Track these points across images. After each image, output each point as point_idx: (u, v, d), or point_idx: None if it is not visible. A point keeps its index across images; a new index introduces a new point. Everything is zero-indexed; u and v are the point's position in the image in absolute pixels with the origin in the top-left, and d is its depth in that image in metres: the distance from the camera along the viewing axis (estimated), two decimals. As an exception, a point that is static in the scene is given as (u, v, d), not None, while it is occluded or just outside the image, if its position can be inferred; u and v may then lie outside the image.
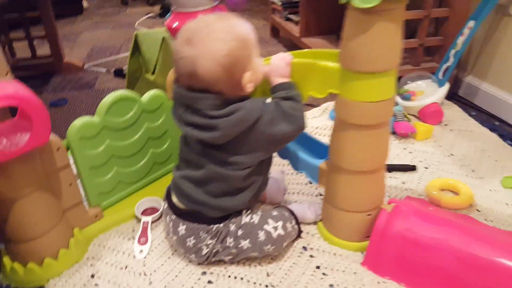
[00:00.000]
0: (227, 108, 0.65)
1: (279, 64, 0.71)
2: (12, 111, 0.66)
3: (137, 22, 2.76)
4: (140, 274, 0.76)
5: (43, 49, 1.94)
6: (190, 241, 0.73)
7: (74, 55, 2.14)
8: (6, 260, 0.74)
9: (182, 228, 0.74)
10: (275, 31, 2.33)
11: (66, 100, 1.56)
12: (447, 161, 1.08)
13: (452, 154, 1.11)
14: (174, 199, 0.76)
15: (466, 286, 0.67)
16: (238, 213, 0.76)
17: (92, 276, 0.76)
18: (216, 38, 0.64)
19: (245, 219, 0.75)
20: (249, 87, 0.67)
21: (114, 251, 0.82)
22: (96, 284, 0.74)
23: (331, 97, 0.72)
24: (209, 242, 0.73)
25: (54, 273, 0.75)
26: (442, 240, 0.69)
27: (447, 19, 1.35)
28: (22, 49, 1.91)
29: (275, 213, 0.78)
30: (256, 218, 0.76)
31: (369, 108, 0.65)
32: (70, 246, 0.77)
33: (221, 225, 0.74)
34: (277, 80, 0.71)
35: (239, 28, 0.66)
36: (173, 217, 0.75)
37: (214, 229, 0.73)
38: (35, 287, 0.74)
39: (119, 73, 1.82)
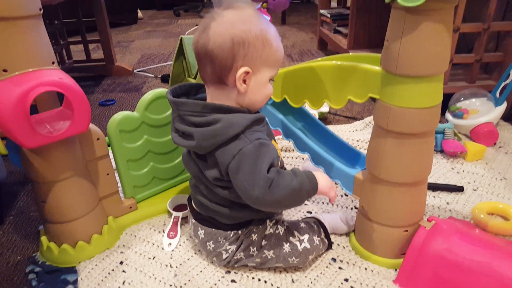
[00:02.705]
0: (207, 117, 0.61)
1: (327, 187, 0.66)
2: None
3: (186, 32, 2.88)
4: (167, 265, 0.77)
5: (98, 55, 2.07)
6: (210, 245, 0.73)
7: (125, 61, 2.26)
8: (44, 239, 0.78)
9: (201, 232, 0.73)
10: (323, 44, 2.32)
11: (114, 101, 1.65)
12: (499, 185, 1.00)
13: (505, 178, 1.02)
14: (193, 204, 0.76)
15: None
16: (261, 221, 0.73)
17: (121, 263, 0.78)
18: (244, 17, 0.60)
19: (270, 229, 0.73)
20: (239, 87, 0.61)
21: (144, 241, 0.83)
22: (123, 271, 0.76)
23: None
24: (229, 247, 0.72)
25: (85, 256, 0.78)
26: (484, 264, 0.63)
27: (509, 33, 1.26)
28: (79, 54, 2.06)
29: (302, 225, 0.76)
30: (281, 229, 0.73)
31: (412, 115, 0.61)
32: (103, 232, 0.80)
33: (240, 232, 0.71)
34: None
35: (271, 31, 0.62)
36: (193, 221, 0.75)
37: (232, 235, 0.71)
38: (67, 267, 0.76)
39: (165, 78, 1.89)
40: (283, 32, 2.87)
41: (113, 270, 0.76)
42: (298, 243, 0.72)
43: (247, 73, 0.61)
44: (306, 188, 0.63)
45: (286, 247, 0.72)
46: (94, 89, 1.81)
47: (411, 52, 0.57)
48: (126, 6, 3.25)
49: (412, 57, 0.57)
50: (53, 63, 0.66)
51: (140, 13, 3.53)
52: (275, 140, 0.73)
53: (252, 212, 0.69)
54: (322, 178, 0.66)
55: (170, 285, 0.72)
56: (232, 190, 0.65)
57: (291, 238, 0.72)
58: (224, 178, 0.64)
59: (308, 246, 0.73)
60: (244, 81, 0.62)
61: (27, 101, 0.58)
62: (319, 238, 0.75)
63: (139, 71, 2.06)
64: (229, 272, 0.75)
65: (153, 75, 1.99)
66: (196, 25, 3.09)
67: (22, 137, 0.60)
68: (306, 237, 0.73)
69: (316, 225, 0.77)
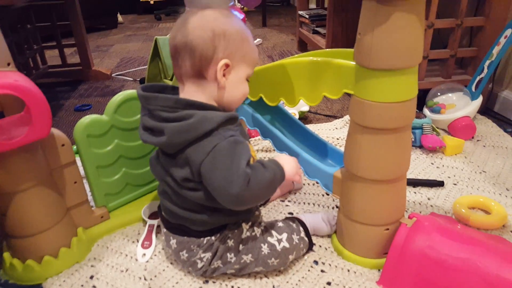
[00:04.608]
0: (180, 112, 0.59)
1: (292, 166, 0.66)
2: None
3: (167, 36, 2.82)
4: (140, 278, 0.73)
5: (75, 60, 2.01)
6: (183, 255, 0.69)
7: (104, 65, 2.20)
8: (6, 255, 0.73)
9: (173, 242, 0.70)
10: (303, 45, 2.32)
11: (90, 106, 1.60)
12: (478, 178, 0.99)
13: (484, 171, 1.02)
14: (163, 212, 0.72)
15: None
16: (236, 225, 0.69)
17: (91, 277, 0.73)
18: (224, 14, 0.62)
19: (246, 233, 0.70)
20: (220, 79, 0.61)
21: (116, 253, 0.79)
22: (94, 286, 0.71)
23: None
24: (203, 255, 0.68)
25: (53, 272, 0.73)
26: (468, 261, 0.61)
27: (482, 28, 1.27)
28: (54, 59, 2.00)
29: (280, 224, 0.73)
30: (258, 231, 0.71)
31: (387, 110, 0.59)
32: (72, 245, 0.75)
33: (213, 238, 0.68)
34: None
35: (248, 31, 0.64)
36: (165, 230, 0.72)
37: (205, 242, 0.68)
38: (33, 285, 0.72)
39: (144, 82, 1.85)
40: (264, 34, 2.85)
41: (82, 285, 0.71)
42: (276, 243, 0.69)
43: (227, 65, 0.61)
44: (278, 177, 0.63)
45: (265, 248, 0.69)
46: (70, 95, 1.75)
47: (383, 44, 0.55)
48: (106, 10, 3.18)
49: (385, 49, 0.55)
50: (8, 64, 0.62)
51: (120, 18, 3.46)
52: (249, 142, 0.70)
53: (225, 216, 0.66)
54: (286, 163, 0.66)
55: (144, 298, 0.68)
56: (202, 192, 0.62)
57: (268, 238, 0.70)
58: (194, 179, 0.61)
59: (288, 245, 0.70)
60: (224, 75, 0.62)
61: (-23, 106, 0.54)
62: (298, 237, 0.72)
63: (117, 75, 2.01)
64: (207, 281, 0.71)
65: (131, 79, 1.95)
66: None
67: (-26, 146, 0.56)
68: (284, 236, 0.71)
69: (295, 224, 0.75)
